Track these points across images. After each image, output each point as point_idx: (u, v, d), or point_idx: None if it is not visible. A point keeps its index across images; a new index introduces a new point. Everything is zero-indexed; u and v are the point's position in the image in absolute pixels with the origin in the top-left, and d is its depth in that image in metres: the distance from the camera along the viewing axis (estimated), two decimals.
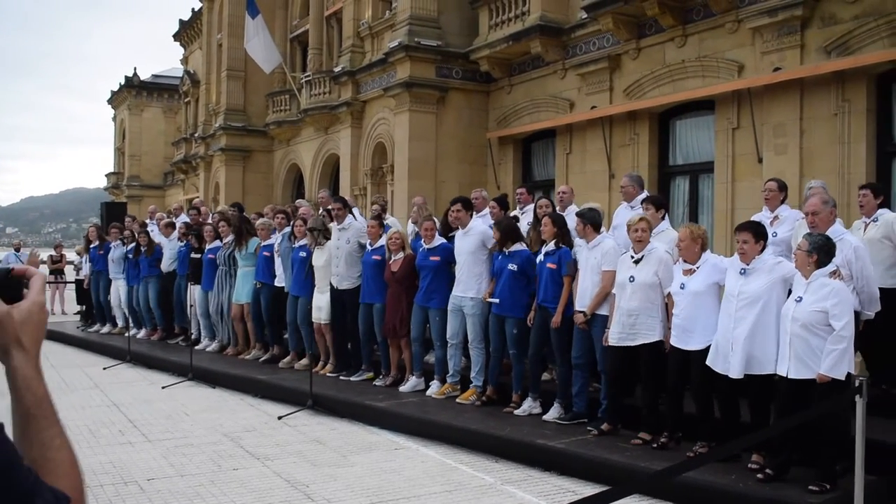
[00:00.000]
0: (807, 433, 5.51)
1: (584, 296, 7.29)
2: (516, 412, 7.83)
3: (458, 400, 8.42)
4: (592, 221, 7.41)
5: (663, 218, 7.61)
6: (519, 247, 8.06)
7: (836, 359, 5.25)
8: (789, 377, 5.48)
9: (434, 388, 8.79)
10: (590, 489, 5.89)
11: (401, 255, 9.14)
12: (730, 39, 12.17)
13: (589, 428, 7.13)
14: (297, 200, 13.52)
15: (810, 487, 5.32)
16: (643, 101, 13.51)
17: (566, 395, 7.58)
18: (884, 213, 7.18)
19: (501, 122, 16.91)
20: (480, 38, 16.67)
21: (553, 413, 7.56)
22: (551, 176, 15.95)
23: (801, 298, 5.45)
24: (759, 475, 5.61)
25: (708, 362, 6.04)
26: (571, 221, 8.05)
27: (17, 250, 21.58)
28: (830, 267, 5.46)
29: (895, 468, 5.77)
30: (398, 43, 16.86)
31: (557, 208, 8.81)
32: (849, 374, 5.30)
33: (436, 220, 9.33)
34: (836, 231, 6.02)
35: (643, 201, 8.00)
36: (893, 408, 6.66)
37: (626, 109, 13.74)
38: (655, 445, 6.52)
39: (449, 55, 16.98)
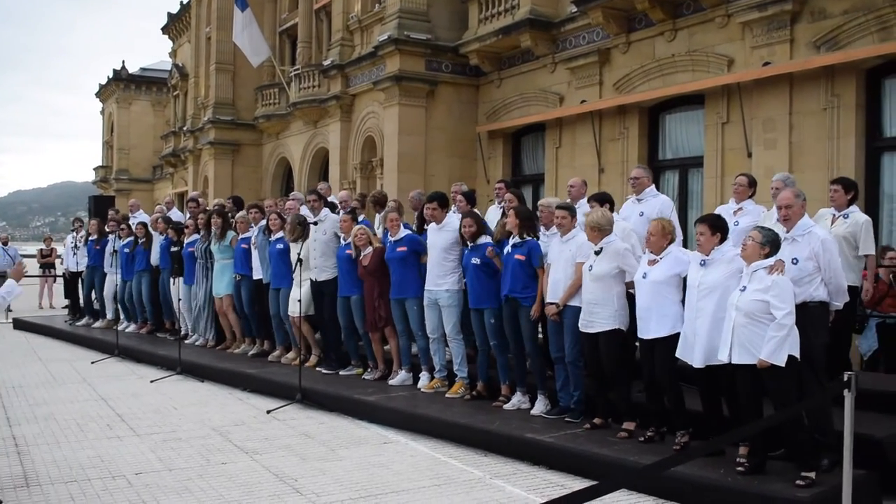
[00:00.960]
0: (789, 426, 5.54)
1: (556, 288, 7.32)
2: (505, 406, 7.83)
3: (447, 395, 8.41)
4: (575, 214, 7.47)
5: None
6: (483, 240, 8.14)
7: (775, 345, 5.38)
8: (732, 362, 5.64)
9: (423, 382, 8.79)
10: (579, 483, 5.89)
11: (369, 249, 9.16)
12: (719, 34, 12.19)
13: (572, 420, 7.15)
14: (292, 194, 13.46)
15: (797, 482, 5.34)
16: (633, 96, 13.52)
17: (546, 385, 7.62)
18: (854, 212, 7.22)
19: (491, 116, 16.90)
20: (470, 32, 16.65)
21: (539, 407, 7.57)
22: (541, 170, 15.97)
23: (745, 288, 5.60)
24: (740, 468, 5.66)
25: (678, 354, 6.16)
26: (580, 215, 8.01)
27: (5, 244, 21.40)
28: (769, 261, 5.58)
29: (882, 462, 5.80)
30: (387, 36, 16.83)
31: (568, 201, 8.84)
32: (791, 359, 5.39)
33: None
34: (804, 224, 6.06)
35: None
36: (876, 402, 6.69)
37: (616, 103, 13.76)
38: (642, 439, 6.53)
39: (438, 49, 16.97)
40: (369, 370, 9.56)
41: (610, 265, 6.84)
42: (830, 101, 10.61)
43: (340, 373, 9.73)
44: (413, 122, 16.88)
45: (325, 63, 20.47)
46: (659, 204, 8.19)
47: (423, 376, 8.86)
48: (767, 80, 11.18)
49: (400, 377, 9.07)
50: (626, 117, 13.83)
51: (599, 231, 6.90)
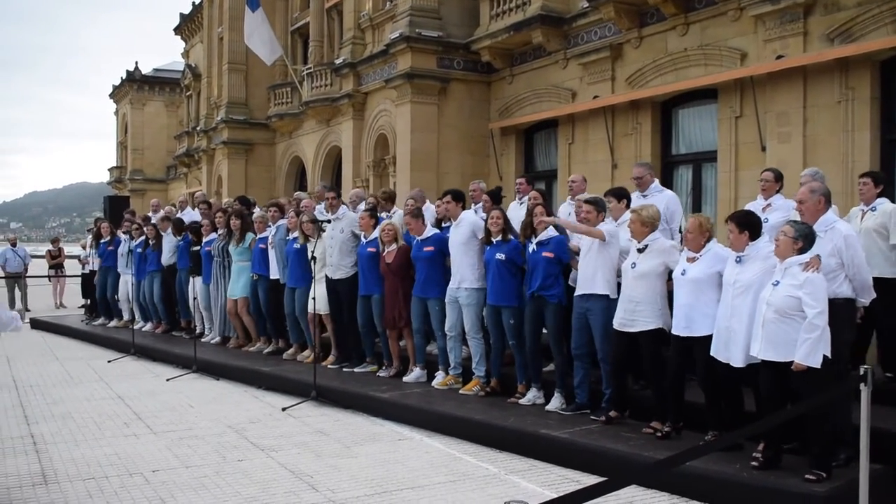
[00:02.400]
0: (803, 421, 5.50)
1: (585, 282, 7.28)
2: (521, 402, 7.83)
3: (461, 391, 8.42)
4: (604, 209, 7.43)
5: (627, 207, 7.56)
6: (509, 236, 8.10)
7: (810, 347, 5.29)
8: (760, 357, 5.59)
9: (438, 379, 8.79)
10: (595, 480, 5.87)
11: (394, 246, 9.15)
12: (732, 27, 12.13)
13: (593, 417, 7.13)
14: (296, 193, 13.50)
15: (806, 476, 5.32)
16: (645, 91, 13.48)
17: (566, 384, 7.59)
18: (883, 203, 7.16)
19: (503, 113, 16.88)
20: (481, 29, 16.64)
21: (555, 403, 7.55)
22: (554, 166, 15.94)
23: (777, 283, 5.52)
24: (754, 462, 5.64)
25: (712, 352, 6.06)
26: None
27: (14, 245, 21.53)
28: (805, 257, 5.50)
29: None
30: (399, 34, 16.84)
31: (568, 197, 8.78)
32: (826, 359, 5.32)
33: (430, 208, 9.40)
34: (827, 220, 5.99)
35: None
36: (892, 396, 6.66)
37: (629, 99, 13.71)
38: (660, 435, 6.50)
39: (450, 46, 16.96)
40: (384, 367, 9.57)
41: (655, 262, 6.71)
42: (845, 94, 10.54)
43: (355, 370, 9.75)
44: (425, 120, 16.88)
45: (337, 62, 20.50)
46: (665, 199, 8.12)
47: (439, 375, 8.86)
48: (781, 74, 11.12)
49: (414, 374, 9.08)
50: (638, 112, 13.79)
51: (651, 227, 6.78)
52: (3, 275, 21.02)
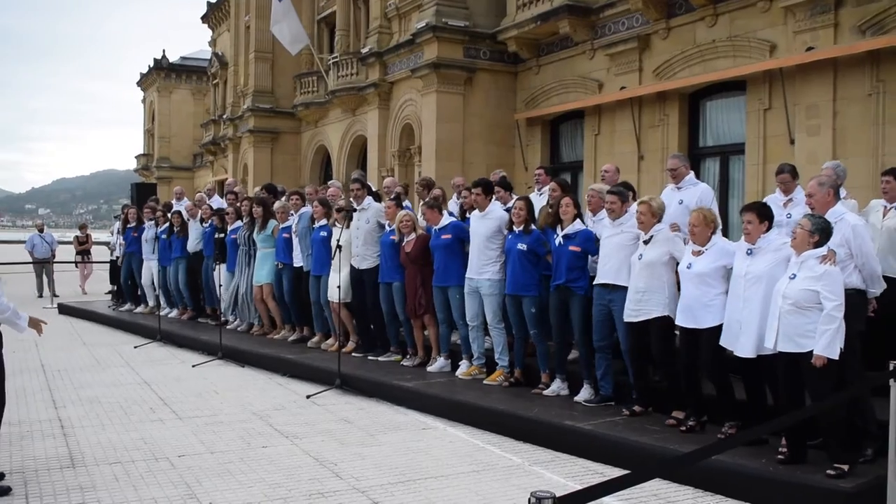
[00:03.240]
0: (825, 416, 5.47)
1: (607, 273, 7.26)
2: (545, 393, 7.83)
3: (485, 381, 8.42)
4: (628, 198, 7.42)
5: (633, 200, 7.54)
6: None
7: (829, 339, 5.29)
8: (776, 350, 5.59)
9: (461, 370, 8.81)
10: (618, 472, 5.86)
11: (413, 235, 9.17)
12: (762, 19, 12.02)
13: (623, 409, 7.11)
14: (330, 182, 13.56)
15: (827, 472, 5.29)
16: (673, 82, 13.39)
17: (591, 375, 7.58)
18: None
19: (529, 103, 16.84)
20: (508, 19, 16.59)
21: (584, 394, 7.54)
22: (580, 157, 15.89)
23: (794, 276, 5.52)
24: (780, 456, 5.63)
25: (722, 342, 6.11)
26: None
27: (41, 231, 21.74)
28: (822, 250, 5.49)
29: None
30: (425, 24, 16.83)
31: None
32: (840, 352, 5.32)
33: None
34: (836, 211, 5.98)
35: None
36: None
37: (656, 90, 13.64)
38: (683, 429, 6.48)
39: (476, 36, 16.93)
40: (408, 356, 9.60)
41: (660, 251, 6.78)
42: (875, 87, 10.42)
43: (380, 359, 9.78)
44: (451, 110, 16.88)
45: (364, 51, 20.52)
46: (699, 192, 8.03)
47: (463, 364, 8.87)
48: (811, 66, 11.01)
49: (438, 364, 9.10)
50: (665, 104, 13.70)
51: (658, 219, 6.89)
52: (31, 260, 21.28)
